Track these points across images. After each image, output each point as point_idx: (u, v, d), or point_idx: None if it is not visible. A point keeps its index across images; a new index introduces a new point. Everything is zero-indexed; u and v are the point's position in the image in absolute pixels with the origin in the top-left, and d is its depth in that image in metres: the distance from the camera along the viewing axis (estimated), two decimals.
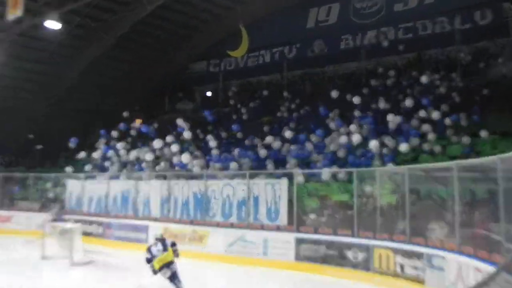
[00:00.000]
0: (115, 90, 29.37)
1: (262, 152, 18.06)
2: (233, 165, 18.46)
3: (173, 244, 10.18)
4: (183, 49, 29.71)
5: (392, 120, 16.50)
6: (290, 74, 28.96)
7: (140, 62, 28.84)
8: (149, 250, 10.08)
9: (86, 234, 16.96)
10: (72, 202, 19.52)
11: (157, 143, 19.33)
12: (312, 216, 13.88)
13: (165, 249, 9.96)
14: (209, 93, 33.91)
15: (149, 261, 9.93)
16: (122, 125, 22.97)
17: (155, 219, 16.57)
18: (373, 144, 14.87)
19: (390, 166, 13.67)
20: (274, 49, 28.25)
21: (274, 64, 28.61)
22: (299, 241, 13.07)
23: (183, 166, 18.53)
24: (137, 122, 27.06)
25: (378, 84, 22.48)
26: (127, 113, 25.69)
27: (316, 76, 28.32)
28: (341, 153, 16.55)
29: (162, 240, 10.21)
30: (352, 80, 25.81)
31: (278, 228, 13.72)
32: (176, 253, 10.02)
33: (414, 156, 15.48)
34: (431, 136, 15.70)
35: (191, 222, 15.58)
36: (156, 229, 16.20)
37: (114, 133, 25.23)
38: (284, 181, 14.20)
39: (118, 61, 28.06)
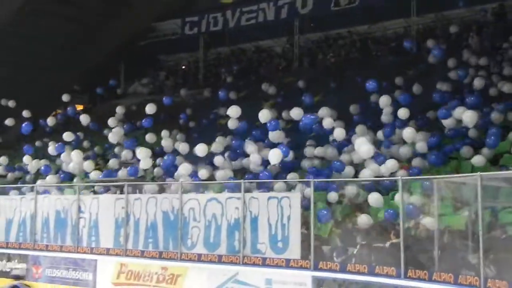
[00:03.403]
0: (47, 63, 29.23)
1: (264, 153, 18.02)
2: (222, 172, 18.40)
3: None
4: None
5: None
6: (303, 38, 28.95)
7: (83, 21, 28.63)
8: None
9: (2, 274, 16.77)
10: None
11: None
12: (338, 246, 13.85)
13: None
14: (183, 66, 33.92)
15: None
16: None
17: (107, 252, 16.45)
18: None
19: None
20: (281, 1, 28.18)
21: (281, 23, 28.56)
22: (319, 283, 12.93)
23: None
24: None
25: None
26: (67, 96, 25.70)
27: (343, 41, 28.37)
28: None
29: None
30: (396, 47, 25.91)
31: (288, 264, 13.66)
32: None
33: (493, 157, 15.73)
34: None
35: (160, 256, 15.49)
36: (108, 265, 16.06)
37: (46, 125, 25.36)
38: (297, 195, 14.15)
39: (49, 17, 27.81)
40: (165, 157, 19.71)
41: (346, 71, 24.66)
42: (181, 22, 31.44)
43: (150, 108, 22.58)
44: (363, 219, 14.00)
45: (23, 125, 23.82)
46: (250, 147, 18.84)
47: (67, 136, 23.09)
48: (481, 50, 22.15)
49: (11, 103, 26.72)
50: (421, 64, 22.40)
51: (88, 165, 21.24)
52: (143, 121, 22.49)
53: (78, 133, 24.48)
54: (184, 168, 18.49)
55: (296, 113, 18.61)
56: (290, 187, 16.63)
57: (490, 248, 10.67)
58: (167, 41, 32.45)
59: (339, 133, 17.84)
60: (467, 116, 16.15)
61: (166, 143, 21.18)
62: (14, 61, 27.94)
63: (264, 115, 18.58)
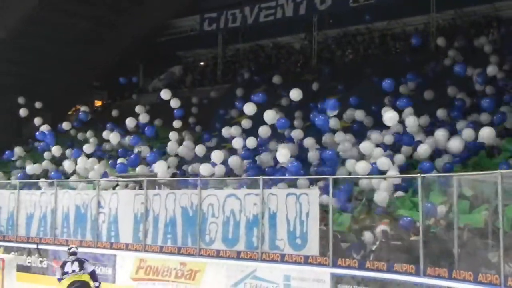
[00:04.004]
0: (66, 60, 29.42)
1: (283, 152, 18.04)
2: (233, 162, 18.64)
3: (93, 274, 11.75)
4: None
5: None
6: (322, 35, 28.87)
7: (101, 18, 28.79)
8: (62, 267, 11.72)
9: (22, 269, 16.93)
10: (0, 222, 19.56)
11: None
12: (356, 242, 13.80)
13: (81, 271, 11.72)
14: (202, 63, 33.97)
15: (60, 281, 11.62)
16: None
17: (126, 247, 16.54)
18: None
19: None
20: None
21: (299, 19, 28.46)
22: (337, 280, 12.90)
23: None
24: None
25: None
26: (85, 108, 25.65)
27: (361, 38, 28.25)
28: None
29: (79, 260, 11.92)
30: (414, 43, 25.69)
31: (306, 261, 13.64)
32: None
33: None
34: None
35: (179, 251, 15.55)
36: (127, 260, 16.14)
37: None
38: (315, 192, 14.15)
39: (67, 15, 27.96)
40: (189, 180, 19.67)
41: (364, 69, 24.50)
42: (200, 19, 31.50)
43: (165, 94, 22.66)
44: (367, 236, 13.89)
45: (37, 133, 23.83)
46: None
47: (88, 148, 23.16)
48: (501, 47, 21.95)
49: (38, 104, 26.53)
50: (437, 65, 22.31)
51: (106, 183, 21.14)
52: (146, 129, 22.44)
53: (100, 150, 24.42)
54: (204, 169, 18.67)
55: (294, 94, 18.88)
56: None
57: (511, 246, 10.60)
58: (186, 37, 32.51)
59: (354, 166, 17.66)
60: (484, 133, 16.11)
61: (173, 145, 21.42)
62: (33, 60, 28.13)
63: (269, 116, 18.55)
